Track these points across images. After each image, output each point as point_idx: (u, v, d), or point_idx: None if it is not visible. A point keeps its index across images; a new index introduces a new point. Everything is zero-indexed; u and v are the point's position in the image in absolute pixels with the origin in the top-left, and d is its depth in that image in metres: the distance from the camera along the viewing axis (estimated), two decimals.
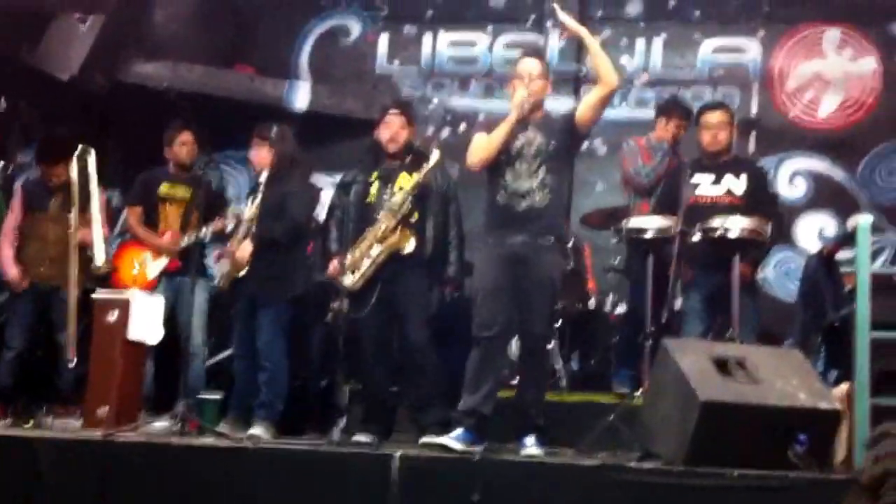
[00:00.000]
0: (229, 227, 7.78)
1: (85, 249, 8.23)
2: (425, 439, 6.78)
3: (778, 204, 7.89)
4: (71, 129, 8.63)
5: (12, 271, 8.31)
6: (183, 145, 8.39)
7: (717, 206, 7.38)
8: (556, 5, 6.92)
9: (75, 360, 7.97)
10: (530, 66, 6.95)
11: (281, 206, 7.64)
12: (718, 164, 7.61)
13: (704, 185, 7.53)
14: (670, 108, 8.76)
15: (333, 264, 7.44)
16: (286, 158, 7.79)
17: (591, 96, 6.88)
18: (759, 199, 7.54)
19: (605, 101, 6.90)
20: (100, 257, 8.15)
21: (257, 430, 7.29)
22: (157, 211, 8.38)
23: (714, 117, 7.68)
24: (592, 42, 6.93)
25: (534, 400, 6.79)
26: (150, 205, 8.42)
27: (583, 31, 6.88)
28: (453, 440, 6.51)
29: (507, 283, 6.73)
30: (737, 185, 7.52)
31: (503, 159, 6.81)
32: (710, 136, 7.62)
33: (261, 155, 7.79)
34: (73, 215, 8.20)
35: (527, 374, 6.85)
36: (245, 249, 7.59)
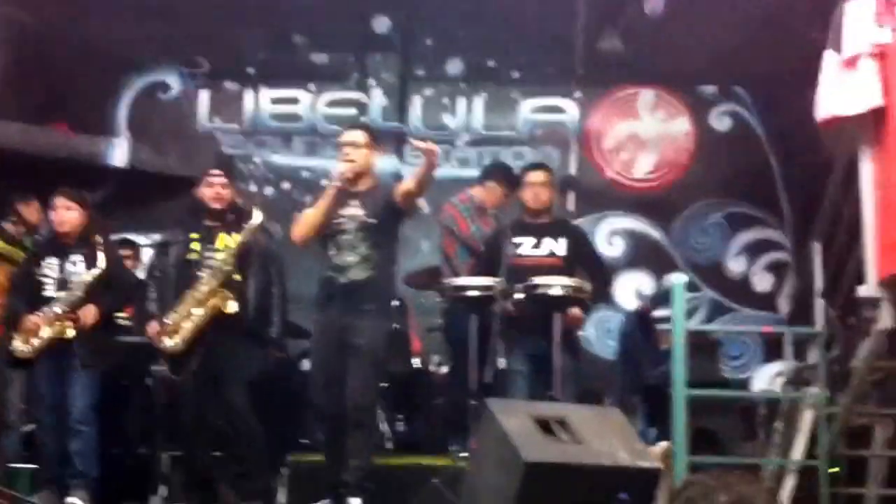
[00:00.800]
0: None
1: None
2: None
3: (604, 262, 7.96)
4: None
5: None
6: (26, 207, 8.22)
7: (539, 268, 7.40)
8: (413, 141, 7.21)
9: None
10: (353, 136, 7.07)
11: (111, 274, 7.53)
12: (538, 225, 7.65)
13: (525, 247, 7.55)
14: (497, 171, 8.80)
15: (153, 326, 7.29)
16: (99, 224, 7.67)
17: (407, 188, 6.98)
18: (583, 260, 7.60)
19: (419, 196, 7.13)
20: None
21: (75, 501, 7.09)
22: None
23: (536, 177, 7.74)
24: (435, 161, 6.87)
25: (360, 465, 6.76)
26: None
27: (435, 149, 6.85)
28: None
29: (330, 355, 6.85)
30: (557, 246, 7.57)
31: (328, 234, 6.91)
32: (531, 195, 7.68)
33: (72, 218, 7.57)
34: None
35: (353, 443, 6.80)
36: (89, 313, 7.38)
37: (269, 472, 6.97)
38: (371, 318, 6.85)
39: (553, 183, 7.85)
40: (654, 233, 10.79)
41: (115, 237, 8.87)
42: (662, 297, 7.73)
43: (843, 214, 6.65)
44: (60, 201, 7.57)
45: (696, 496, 2.67)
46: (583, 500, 5.78)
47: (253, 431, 7.24)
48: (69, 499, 7.11)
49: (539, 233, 7.62)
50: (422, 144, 6.85)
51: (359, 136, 7.08)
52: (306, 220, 6.98)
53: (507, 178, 8.54)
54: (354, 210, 6.90)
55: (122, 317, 8.30)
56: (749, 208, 10.75)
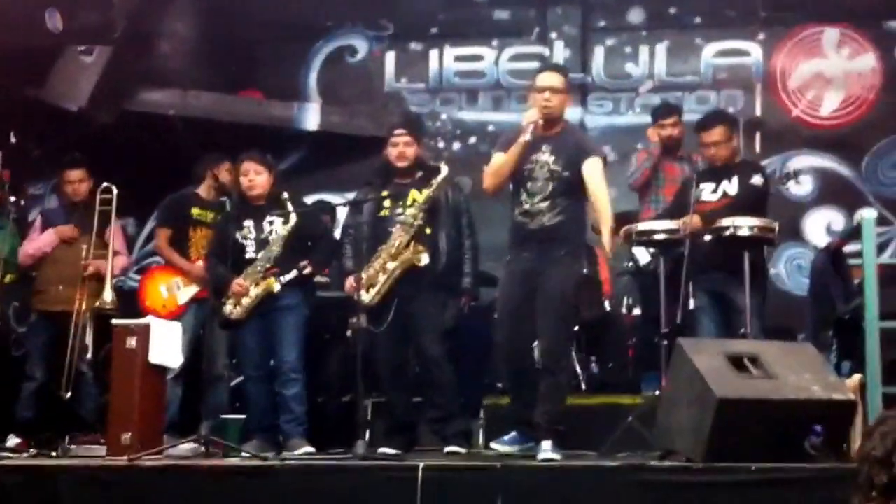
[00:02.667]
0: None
1: (97, 278, 8.33)
2: (448, 449, 6.97)
3: (762, 195, 7.86)
4: (82, 159, 8.66)
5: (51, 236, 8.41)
6: (228, 172, 8.39)
7: (715, 212, 7.44)
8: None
9: (69, 393, 8.12)
10: (550, 80, 6.99)
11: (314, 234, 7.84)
12: (716, 171, 7.71)
13: (706, 193, 7.62)
14: (658, 112, 8.85)
15: (350, 282, 7.51)
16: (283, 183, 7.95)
17: (592, 201, 6.95)
18: (745, 195, 7.57)
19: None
20: (108, 296, 8.23)
21: (298, 446, 7.39)
22: (187, 235, 8.40)
23: (710, 136, 7.74)
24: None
25: (549, 409, 6.81)
26: (181, 227, 8.43)
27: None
28: (501, 444, 6.88)
29: (522, 299, 6.88)
30: (730, 187, 7.61)
31: (518, 178, 6.91)
32: (708, 154, 7.76)
33: (263, 181, 7.82)
34: (90, 247, 8.33)
35: (545, 388, 6.86)
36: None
37: (467, 415, 7.12)
38: (561, 264, 6.86)
39: (732, 134, 7.78)
40: (843, 169, 10.65)
41: (310, 198, 9.16)
42: (853, 232, 7.63)
43: None
44: (251, 165, 7.78)
45: (891, 430, 2.71)
46: (777, 434, 5.83)
47: (449, 378, 7.44)
48: (292, 444, 7.41)
49: (717, 177, 7.67)
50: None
51: (557, 79, 6.99)
52: (498, 169, 6.94)
53: (670, 112, 8.61)
54: (545, 156, 6.87)
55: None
56: None
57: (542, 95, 6.88)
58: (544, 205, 6.83)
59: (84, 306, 8.26)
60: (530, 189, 6.86)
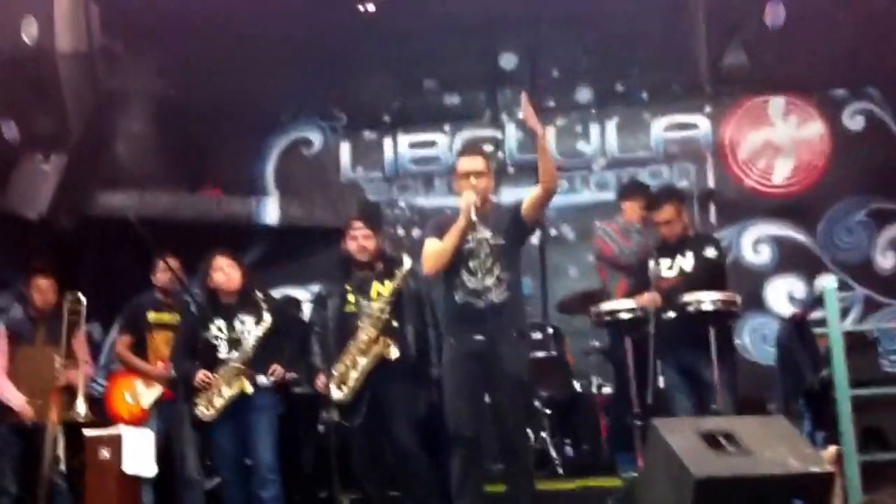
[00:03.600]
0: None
1: (69, 390, 8.28)
2: None
3: (717, 267, 7.95)
4: (50, 266, 8.67)
5: (18, 402, 8.29)
6: (165, 272, 8.41)
7: (673, 289, 7.52)
8: (524, 96, 6.74)
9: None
10: (473, 164, 6.97)
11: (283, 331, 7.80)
12: (671, 246, 7.78)
13: (664, 269, 7.69)
14: (633, 190, 8.96)
15: (321, 380, 7.52)
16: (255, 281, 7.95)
17: (534, 196, 6.86)
18: (700, 270, 7.65)
19: (547, 200, 6.94)
20: (81, 408, 8.18)
21: None
22: (145, 339, 8.43)
23: (660, 215, 7.81)
24: (544, 143, 6.82)
25: (526, 489, 6.84)
26: (139, 332, 8.48)
27: (539, 130, 6.74)
28: None
29: (475, 382, 6.82)
30: (685, 262, 7.69)
31: (457, 260, 6.85)
32: (660, 233, 7.82)
33: (237, 276, 7.82)
34: (60, 358, 8.29)
35: (514, 469, 6.88)
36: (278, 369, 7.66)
37: None
38: (516, 344, 6.86)
39: (681, 210, 7.84)
40: (800, 236, 10.82)
41: (274, 292, 9.17)
42: (815, 300, 7.73)
43: None
44: (224, 261, 7.78)
45: None
46: None
47: (425, 469, 7.41)
48: None
49: (672, 253, 7.75)
50: (531, 117, 6.66)
51: (480, 163, 6.99)
52: (439, 254, 6.88)
53: (643, 194, 8.71)
54: (483, 233, 6.82)
55: None
56: (891, 203, 10.72)
57: (468, 181, 6.87)
58: (490, 281, 6.78)
59: (56, 418, 8.20)
60: (472, 267, 6.80)
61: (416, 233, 11.27)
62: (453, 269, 6.88)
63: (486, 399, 6.90)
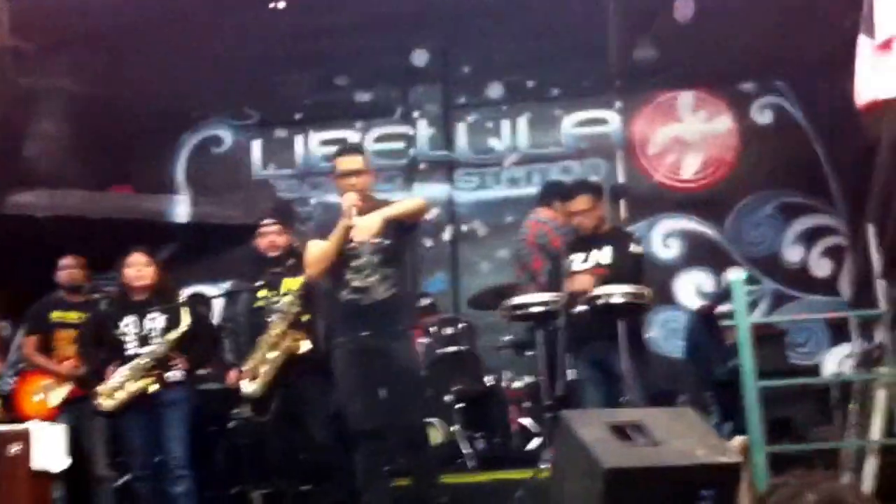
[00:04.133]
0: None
1: None
2: None
3: (641, 262, 8.02)
4: None
5: None
6: (63, 269, 8.44)
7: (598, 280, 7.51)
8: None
9: None
10: (351, 163, 7.00)
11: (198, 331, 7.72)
12: (585, 240, 7.81)
13: (577, 263, 7.73)
14: (556, 191, 8.95)
15: (233, 374, 7.50)
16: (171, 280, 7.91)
17: (406, 207, 6.97)
18: (623, 264, 7.68)
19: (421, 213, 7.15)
20: None
21: None
22: (50, 339, 8.39)
23: (576, 205, 7.85)
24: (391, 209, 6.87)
25: (431, 483, 6.91)
26: (44, 332, 8.43)
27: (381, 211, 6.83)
28: None
29: (366, 377, 6.81)
30: (601, 256, 7.72)
31: (341, 259, 6.85)
32: (577, 221, 7.84)
33: (150, 273, 7.76)
34: None
35: (416, 463, 6.93)
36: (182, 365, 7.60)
37: (357, 501, 7.10)
38: (404, 338, 6.92)
39: (597, 202, 7.87)
40: (709, 231, 10.93)
41: (185, 290, 9.13)
42: (724, 294, 7.81)
43: (893, 194, 6.73)
44: (138, 258, 7.74)
45: (783, 499, 2.72)
46: (666, 501, 5.90)
47: (337, 464, 7.43)
48: None
49: (586, 247, 7.77)
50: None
51: (358, 161, 7.02)
52: (322, 257, 6.89)
53: (563, 195, 8.74)
54: (363, 234, 6.83)
55: None
56: (800, 197, 10.83)
57: (348, 181, 6.91)
58: (374, 278, 6.80)
59: None
60: (355, 266, 6.82)
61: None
62: (339, 268, 6.88)
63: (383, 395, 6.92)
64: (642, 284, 7.49)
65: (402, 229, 6.96)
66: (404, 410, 6.84)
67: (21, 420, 7.90)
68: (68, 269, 8.45)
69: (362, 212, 6.82)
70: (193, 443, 7.68)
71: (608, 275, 7.56)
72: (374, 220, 6.74)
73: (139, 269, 7.71)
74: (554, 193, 8.87)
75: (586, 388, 7.59)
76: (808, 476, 2.83)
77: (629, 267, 7.64)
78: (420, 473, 6.91)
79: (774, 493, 2.86)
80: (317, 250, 6.94)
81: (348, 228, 6.77)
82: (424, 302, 9.60)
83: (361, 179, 6.93)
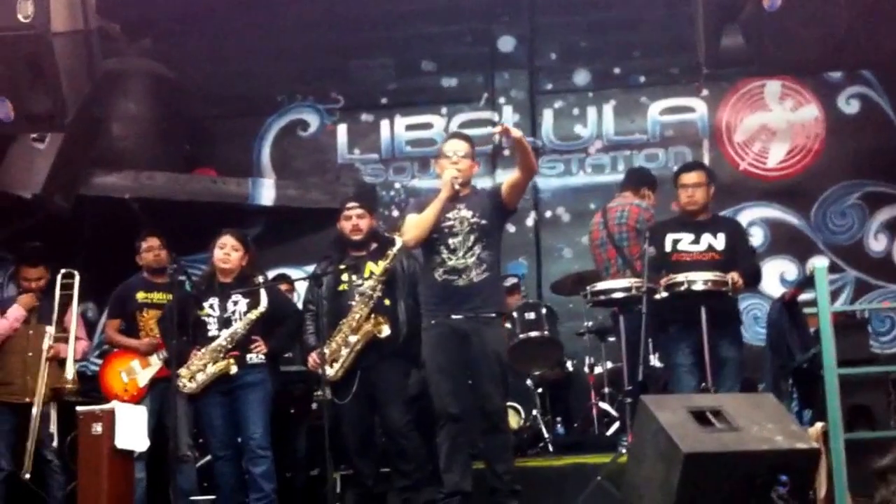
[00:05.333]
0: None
1: (59, 363, 8.37)
2: None
3: (755, 255, 7.96)
4: (41, 254, 8.73)
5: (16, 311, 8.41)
6: (149, 251, 8.51)
7: (700, 263, 7.52)
8: (500, 125, 7.12)
9: (28, 474, 8.12)
10: (457, 146, 7.15)
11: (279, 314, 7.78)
12: (697, 222, 7.75)
13: (684, 243, 7.68)
14: (646, 177, 8.92)
15: (313, 357, 7.57)
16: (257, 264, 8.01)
17: (513, 179, 7.08)
18: (740, 254, 7.67)
19: (525, 186, 7.27)
20: (70, 374, 8.28)
21: None
22: (136, 320, 8.46)
23: (690, 178, 7.82)
24: (524, 142, 6.96)
25: (506, 469, 6.91)
26: (128, 315, 8.50)
27: (517, 133, 6.95)
28: None
29: (456, 359, 6.90)
30: (716, 242, 7.67)
31: (437, 237, 6.96)
32: (686, 196, 7.78)
33: (238, 257, 7.80)
34: (51, 331, 8.39)
35: (494, 448, 6.95)
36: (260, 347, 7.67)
37: (435, 483, 7.15)
38: (494, 325, 6.98)
39: (709, 183, 7.85)
40: (793, 219, 10.86)
41: (270, 273, 9.22)
42: (807, 282, 7.75)
43: None
44: (229, 240, 7.78)
45: None
46: (743, 486, 5.88)
47: (416, 446, 7.47)
48: None
49: (698, 229, 7.71)
50: (495, 129, 7.02)
51: (463, 146, 7.15)
52: (419, 224, 7.01)
53: (652, 182, 8.72)
54: (463, 212, 6.97)
55: None
56: (885, 187, 10.76)
57: (451, 160, 7.04)
58: (470, 260, 6.89)
59: (45, 391, 8.26)
60: (452, 245, 6.92)
61: None
62: (434, 247, 6.99)
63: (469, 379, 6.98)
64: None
65: (503, 211, 7.08)
66: (488, 395, 6.87)
67: (106, 400, 8.00)
68: (153, 250, 8.51)
69: (462, 196, 6.98)
70: (274, 424, 7.76)
71: (720, 261, 7.54)
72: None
73: (226, 252, 7.75)
74: (644, 180, 8.84)
75: (682, 375, 7.55)
76: None
77: (747, 258, 7.69)
78: (495, 458, 6.92)
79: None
80: (413, 219, 7.07)
81: (448, 197, 6.91)
82: (510, 281, 9.63)
83: (464, 161, 7.05)
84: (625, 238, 8.46)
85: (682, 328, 7.54)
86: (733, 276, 7.30)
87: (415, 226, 7.04)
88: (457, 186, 6.93)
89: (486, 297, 6.90)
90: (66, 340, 8.41)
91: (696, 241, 7.68)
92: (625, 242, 8.43)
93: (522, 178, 7.05)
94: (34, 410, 8.21)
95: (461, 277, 6.88)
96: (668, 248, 7.62)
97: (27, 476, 8.14)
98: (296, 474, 8.54)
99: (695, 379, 7.51)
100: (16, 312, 8.44)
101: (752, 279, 7.78)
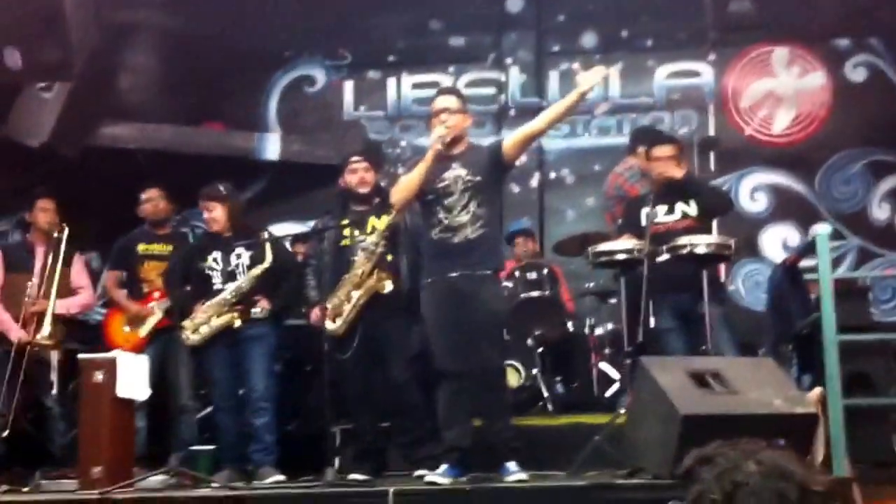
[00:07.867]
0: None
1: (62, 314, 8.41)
2: (418, 473, 7.01)
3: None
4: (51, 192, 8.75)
5: (17, 333, 8.29)
6: (148, 201, 8.53)
7: (674, 232, 7.53)
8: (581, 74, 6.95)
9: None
10: (446, 102, 7.07)
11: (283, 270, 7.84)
12: (669, 192, 7.75)
13: (659, 215, 7.71)
14: (644, 137, 8.92)
15: (315, 312, 7.60)
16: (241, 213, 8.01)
17: (520, 134, 7.05)
18: (707, 203, 7.75)
19: (532, 141, 7.25)
20: (45, 330, 8.28)
21: (269, 475, 7.43)
22: (137, 272, 8.51)
23: (663, 151, 7.82)
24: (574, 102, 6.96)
25: (504, 426, 6.92)
26: (130, 266, 8.55)
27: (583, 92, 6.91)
28: (439, 476, 6.68)
29: (454, 317, 6.86)
30: (689, 209, 7.71)
31: (433, 198, 6.92)
32: (658, 170, 7.78)
33: (218, 216, 7.84)
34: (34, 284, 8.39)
35: (491, 405, 6.96)
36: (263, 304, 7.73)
37: (434, 439, 7.19)
38: (490, 282, 6.95)
39: (680, 154, 7.85)
40: (797, 186, 10.86)
41: (278, 230, 9.28)
42: (809, 248, 7.77)
43: None
44: (203, 204, 7.88)
45: (723, 470, 2.47)
46: None
47: (417, 402, 7.50)
48: (263, 474, 7.44)
49: (670, 198, 7.74)
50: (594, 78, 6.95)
51: (452, 101, 7.07)
52: (406, 184, 6.97)
53: (649, 141, 8.71)
54: (458, 171, 6.89)
55: None
56: (890, 155, 10.75)
57: (439, 118, 6.96)
58: (465, 217, 6.84)
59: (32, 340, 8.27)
60: (447, 204, 6.86)
61: None
62: (431, 207, 6.94)
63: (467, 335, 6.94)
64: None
65: (501, 167, 7.02)
66: (485, 352, 6.86)
67: (109, 349, 8.04)
68: (151, 200, 8.53)
69: (456, 154, 6.93)
70: (275, 377, 7.85)
71: (695, 227, 7.57)
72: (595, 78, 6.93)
73: (205, 215, 7.87)
74: (640, 139, 8.85)
75: (670, 337, 7.60)
76: (738, 445, 2.60)
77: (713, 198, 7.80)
78: (493, 415, 6.95)
79: (712, 461, 2.62)
80: (403, 181, 7.06)
81: (434, 156, 6.83)
82: (525, 225, 9.74)
83: (453, 117, 6.96)
84: (611, 206, 8.65)
85: (660, 294, 7.52)
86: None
87: (402, 188, 7.03)
88: (439, 146, 6.84)
89: (484, 253, 6.86)
90: (66, 295, 8.45)
91: (672, 211, 7.72)
92: (612, 209, 8.54)
93: (532, 134, 7.04)
94: (25, 359, 8.16)
95: (456, 234, 6.84)
96: (643, 222, 7.63)
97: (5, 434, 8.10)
98: (296, 428, 8.60)
99: (680, 340, 7.56)
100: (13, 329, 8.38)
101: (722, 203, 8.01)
